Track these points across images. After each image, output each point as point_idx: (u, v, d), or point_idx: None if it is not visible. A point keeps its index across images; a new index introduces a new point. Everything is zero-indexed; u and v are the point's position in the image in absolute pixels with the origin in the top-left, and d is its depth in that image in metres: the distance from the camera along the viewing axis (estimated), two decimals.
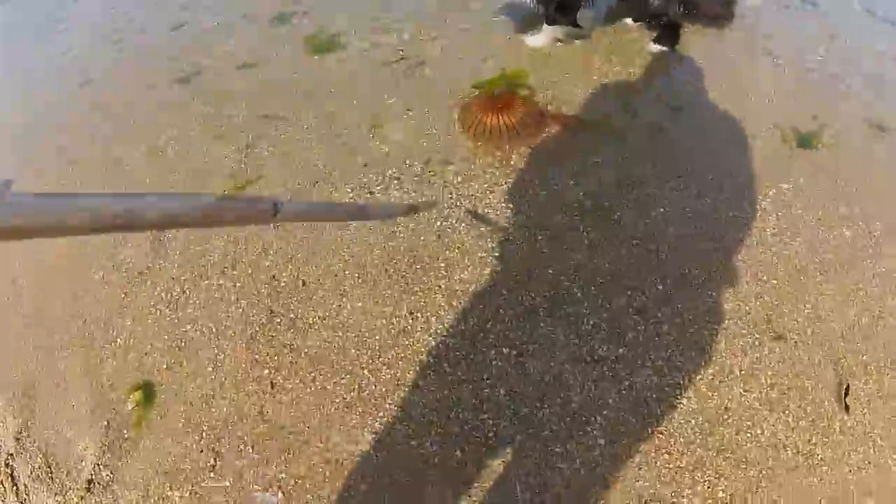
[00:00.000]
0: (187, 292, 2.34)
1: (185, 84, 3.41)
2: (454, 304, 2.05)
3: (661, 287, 2.12)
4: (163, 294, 2.37)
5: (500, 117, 2.64)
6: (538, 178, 2.46)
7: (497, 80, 2.98)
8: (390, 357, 1.97)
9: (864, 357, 1.97)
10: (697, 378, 1.95)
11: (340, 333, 2.04)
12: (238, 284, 2.27)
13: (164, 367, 2.14)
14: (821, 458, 1.79)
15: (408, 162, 2.57)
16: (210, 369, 2.09)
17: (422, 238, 2.25)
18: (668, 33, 2.95)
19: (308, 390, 1.96)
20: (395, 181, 2.50)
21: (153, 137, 3.07)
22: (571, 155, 2.55)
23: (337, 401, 1.93)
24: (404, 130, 2.75)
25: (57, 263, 2.62)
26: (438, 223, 2.29)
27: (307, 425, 1.90)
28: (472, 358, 1.95)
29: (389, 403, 1.90)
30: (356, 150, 2.68)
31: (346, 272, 2.18)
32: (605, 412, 1.87)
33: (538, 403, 1.87)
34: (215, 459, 1.92)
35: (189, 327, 2.22)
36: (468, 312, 2.03)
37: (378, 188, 2.48)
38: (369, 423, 1.87)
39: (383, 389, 1.92)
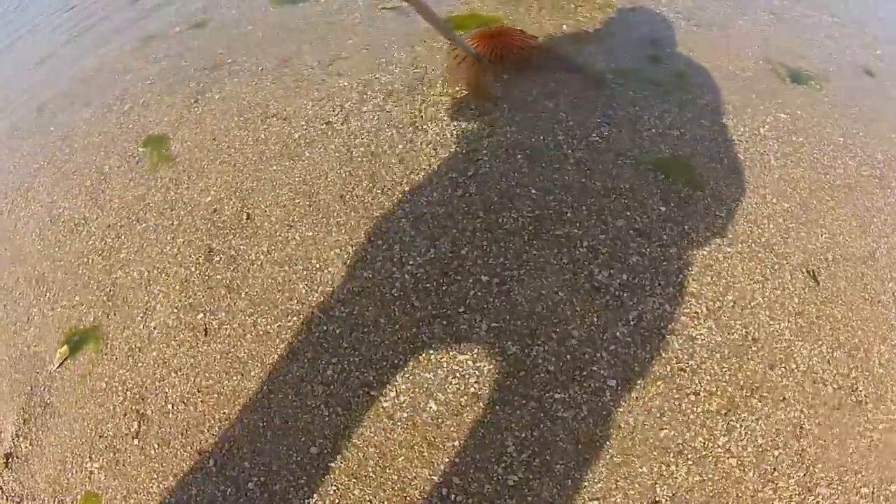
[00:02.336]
0: (122, 238, 2.03)
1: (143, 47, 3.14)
2: (422, 228, 1.71)
3: (662, 208, 1.77)
4: (96, 243, 2.07)
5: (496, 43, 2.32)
6: (514, 102, 2.12)
7: (467, 18, 2.65)
8: (346, 292, 1.63)
9: (892, 285, 1.63)
10: (716, 306, 1.60)
11: (287, 268, 1.71)
12: (175, 223, 1.95)
13: (91, 320, 1.83)
14: (864, 395, 1.44)
15: (368, 94, 2.24)
16: (139, 318, 1.77)
17: (382, 161, 1.92)
18: None
19: (248, 336, 1.63)
20: (355, 111, 2.18)
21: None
22: (554, 86, 2.21)
23: (281, 346, 1.59)
24: (363, 65, 2.43)
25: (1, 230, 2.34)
26: (401, 146, 1.96)
27: (246, 378, 1.56)
28: (444, 289, 1.61)
29: (346, 347, 1.56)
30: (312, 86, 2.36)
31: (296, 201, 1.86)
32: (612, 347, 1.52)
33: (529, 340, 1.53)
34: (140, 423, 1.59)
35: (119, 273, 1.91)
36: (438, 238, 1.69)
37: (336, 118, 2.16)
38: (321, 370, 1.53)
39: (338, 330, 1.59)
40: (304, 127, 2.12)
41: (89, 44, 3.45)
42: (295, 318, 1.63)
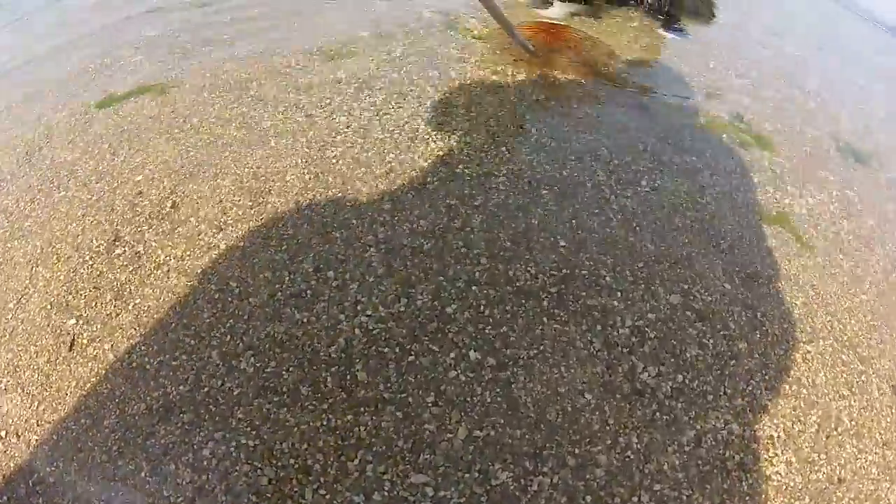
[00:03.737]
0: (34, 204, 1.59)
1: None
2: (395, 265, 1.19)
3: (727, 286, 1.24)
4: (10, 203, 1.63)
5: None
6: (546, 127, 1.61)
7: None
8: (263, 336, 1.11)
9: None
10: (796, 430, 1.09)
11: (196, 284, 1.21)
12: (94, 198, 1.50)
13: None
14: None
15: (367, 91, 1.77)
16: (12, 305, 1.30)
17: (362, 169, 1.41)
18: (667, 19, 2.63)
19: (117, 366, 1.12)
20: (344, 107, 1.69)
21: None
22: (597, 117, 1.71)
23: (153, 393, 1.07)
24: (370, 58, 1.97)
25: None
26: (392, 155, 1.47)
27: (95, 426, 1.05)
28: (410, 361, 1.07)
29: (241, 420, 1.02)
30: (305, 74, 1.91)
31: (238, 198, 1.37)
32: (656, 487, 0.95)
33: (530, 464, 0.98)
34: None
35: (16, 244, 1.46)
36: (416, 284, 1.16)
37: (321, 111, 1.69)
38: (196, 446, 1.00)
39: (236, 391, 1.06)
40: (280, 115, 1.65)
41: None
42: (183, 357, 1.11)
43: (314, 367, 1.08)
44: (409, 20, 2.25)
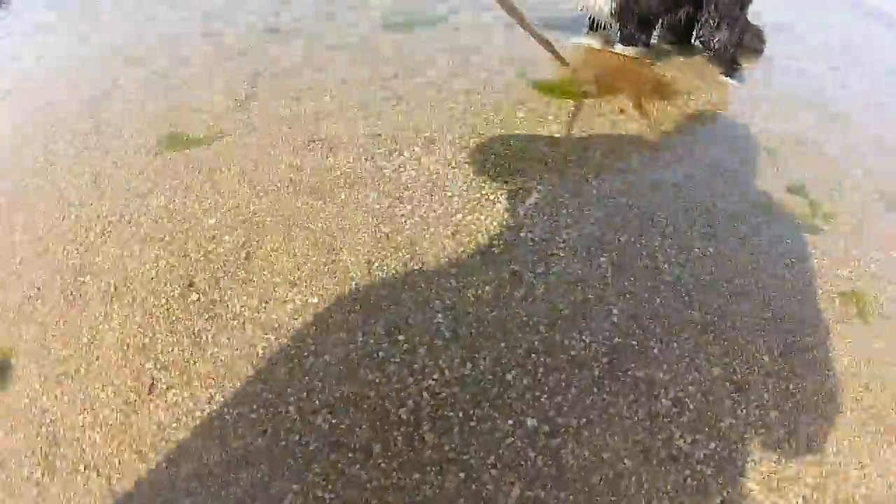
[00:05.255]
0: (105, 236, 1.67)
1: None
2: (461, 332, 1.27)
3: (766, 357, 1.32)
4: (80, 233, 1.72)
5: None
6: (606, 189, 1.71)
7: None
8: (337, 396, 1.19)
9: None
10: (815, 497, 1.18)
11: (272, 338, 1.28)
12: (167, 239, 1.58)
13: (35, 311, 1.47)
14: None
15: (437, 142, 1.87)
16: (85, 340, 1.38)
17: (430, 230, 1.50)
18: (729, 65, 2.70)
19: (196, 414, 1.20)
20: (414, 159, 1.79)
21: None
22: (656, 178, 1.80)
23: (234, 443, 1.14)
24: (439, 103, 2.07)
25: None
26: (459, 216, 1.55)
27: (174, 465, 1.12)
28: (473, 426, 1.14)
29: (317, 473, 1.10)
30: (374, 116, 2.01)
31: (310, 255, 1.45)
32: None
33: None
34: (44, 472, 1.17)
35: (88, 280, 1.54)
36: (479, 350, 1.24)
37: (389, 162, 1.79)
38: (274, 495, 1.07)
39: (312, 445, 1.13)
40: (350, 163, 1.74)
41: None
42: (261, 410, 1.19)
43: (385, 427, 1.15)
44: (478, 68, 2.36)
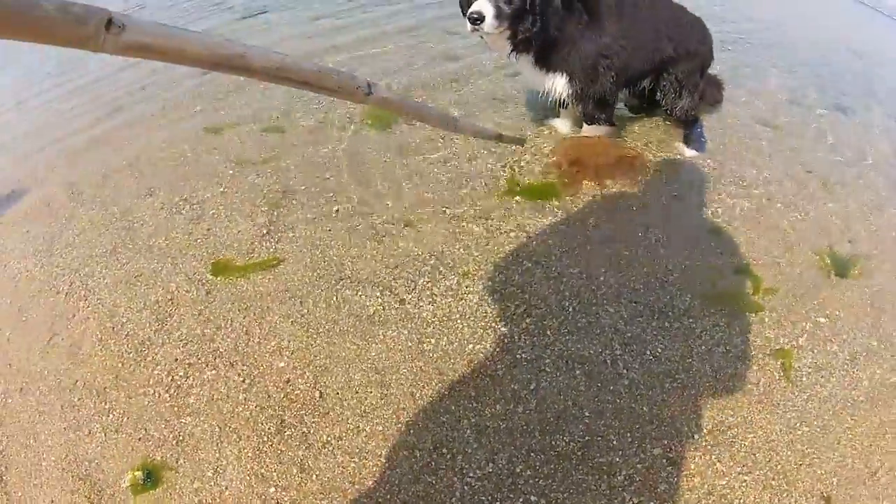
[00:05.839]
0: (190, 379, 2.15)
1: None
2: (483, 441, 1.90)
3: (696, 436, 2.01)
4: (163, 375, 2.19)
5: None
6: (579, 306, 2.36)
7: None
8: (410, 494, 1.80)
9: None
10: None
11: (357, 460, 1.87)
12: (247, 382, 2.10)
13: (160, 458, 1.94)
14: None
15: (442, 270, 2.46)
16: (210, 474, 1.89)
17: (451, 359, 2.12)
18: (691, 132, 3.11)
19: None
20: (427, 291, 2.39)
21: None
22: (617, 287, 2.46)
23: None
24: (439, 229, 2.65)
25: (58, 313, 2.43)
26: (471, 346, 2.16)
27: None
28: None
29: None
30: (387, 248, 2.57)
31: (369, 390, 2.03)
32: None
33: None
34: None
35: (189, 420, 2.03)
36: (497, 452, 1.89)
37: (410, 296, 2.36)
38: None
39: None
40: (378, 300, 2.30)
41: (159, 111, 3.56)
42: None
43: None
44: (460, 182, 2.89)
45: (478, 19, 2.30)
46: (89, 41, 0.50)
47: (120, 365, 2.26)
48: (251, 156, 3.10)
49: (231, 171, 3.00)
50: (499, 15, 2.35)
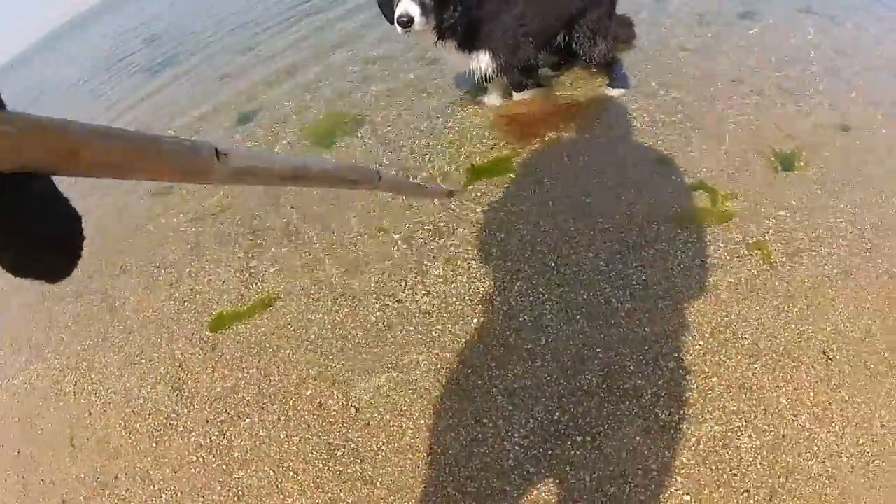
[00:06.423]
0: (228, 435, 2.21)
1: None
2: (517, 402, 2.04)
3: (700, 342, 2.15)
4: (200, 440, 2.24)
5: None
6: (563, 258, 2.48)
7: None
8: (471, 469, 1.93)
9: (887, 355, 2.04)
10: (753, 417, 2.02)
11: (411, 456, 1.98)
12: (283, 420, 2.17)
13: None
14: (870, 454, 1.82)
15: (427, 262, 2.54)
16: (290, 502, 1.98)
17: (464, 340, 2.23)
18: (613, 73, 3.23)
19: None
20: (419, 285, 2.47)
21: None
22: (591, 234, 2.59)
23: None
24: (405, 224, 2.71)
25: (72, 414, 2.43)
26: (475, 320, 2.28)
27: None
28: (550, 453, 1.94)
29: None
30: (370, 258, 2.62)
31: (398, 390, 2.13)
32: (683, 471, 1.90)
33: (621, 479, 1.88)
34: None
35: (242, 473, 2.10)
36: (532, 408, 2.02)
37: (405, 294, 2.44)
38: None
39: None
40: (377, 307, 2.38)
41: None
42: (434, 499, 1.90)
43: (505, 474, 1.93)
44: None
45: (408, 22, 2.34)
46: (203, 171, 0.51)
47: (154, 444, 2.30)
48: (207, 208, 3.07)
49: (193, 228, 2.98)
50: (425, 11, 2.42)
